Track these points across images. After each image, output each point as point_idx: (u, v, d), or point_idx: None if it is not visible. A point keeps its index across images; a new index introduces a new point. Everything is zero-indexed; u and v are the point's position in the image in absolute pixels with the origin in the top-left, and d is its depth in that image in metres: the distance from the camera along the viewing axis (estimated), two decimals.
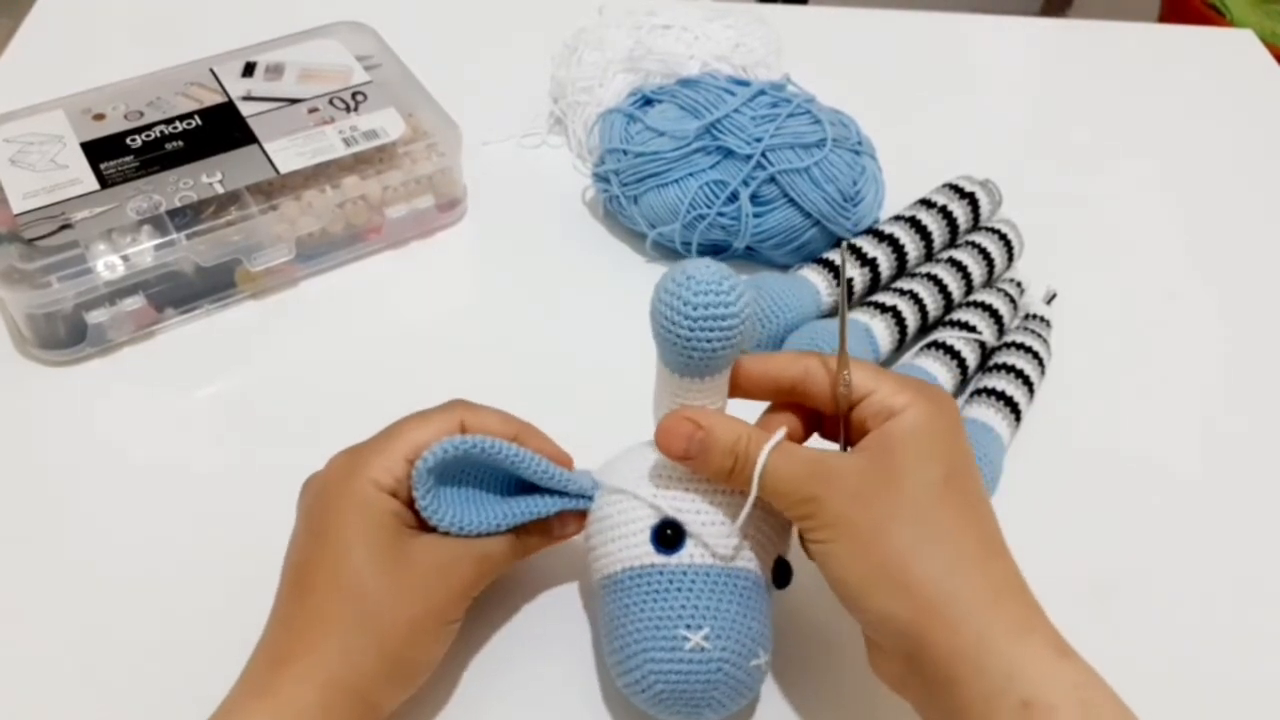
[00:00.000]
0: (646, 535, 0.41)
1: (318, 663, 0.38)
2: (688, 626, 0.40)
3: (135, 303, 0.56)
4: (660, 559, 0.41)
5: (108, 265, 0.54)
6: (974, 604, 0.36)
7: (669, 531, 0.41)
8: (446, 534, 0.42)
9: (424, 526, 0.42)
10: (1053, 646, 0.36)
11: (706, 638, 0.40)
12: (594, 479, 0.44)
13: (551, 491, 0.44)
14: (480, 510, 0.42)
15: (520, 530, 0.43)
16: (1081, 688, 0.35)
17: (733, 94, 0.62)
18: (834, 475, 0.38)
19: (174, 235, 0.56)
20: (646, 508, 0.42)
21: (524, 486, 0.44)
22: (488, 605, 0.47)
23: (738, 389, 0.42)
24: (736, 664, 0.40)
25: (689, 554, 0.41)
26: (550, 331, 0.60)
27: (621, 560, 0.42)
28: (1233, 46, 0.86)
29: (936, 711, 0.37)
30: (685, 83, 0.65)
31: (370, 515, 0.40)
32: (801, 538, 0.40)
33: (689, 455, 0.40)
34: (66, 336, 0.56)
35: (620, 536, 0.42)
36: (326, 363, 0.58)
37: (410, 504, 0.41)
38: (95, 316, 0.56)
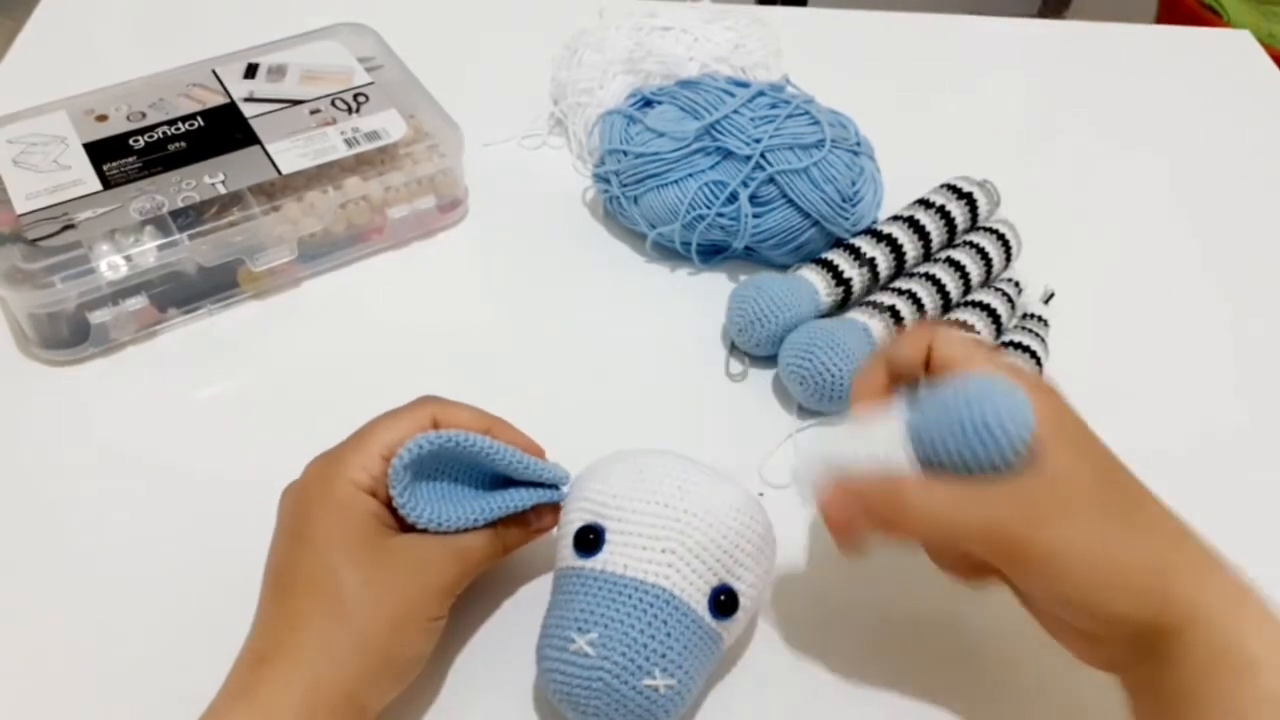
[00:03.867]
0: (571, 537, 0.42)
1: (298, 663, 0.38)
2: (578, 629, 0.40)
3: (138, 303, 0.57)
4: (578, 561, 0.42)
5: (110, 265, 0.55)
6: (1190, 579, 0.37)
7: (590, 536, 0.42)
8: (425, 531, 0.42)
9: (403, 526, 0.42)
10: (1268, 607, 0.37)
11: (591, 643, 0.39)
12: (565, 471, 0.45)
13: (526, 484, 0.44)
14: (457, 506, 0.42)
15: (498, 525, 0.44)
16: None
17: (732, 95, 0.62)
18: (1013, 509, 0.38)
19: (176, 235, 0.56)
20: (580, 511, 0.43)
21: (499, 481, 0.45)
22: (475, 601, 0.48)
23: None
24: (619, 675, 0.39)
25: (602, 561, 0.41)
26: (550, 331, 0.60)
27: (557, 559, 0.43)
28: (1230, 47, 0.86)
29: (1163, 683, 0.37)
30: (685, 84, 0.65)
31: (348, 515, 0.40)
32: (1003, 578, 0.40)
33: (856, 526, 0.39)
34: (69, 336, 0.56)
35: (561, 537, 0.43)
36: (328, 362, 0.58)
37: (389, 503, 0.41)
38: (98, 316, 0.56)
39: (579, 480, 0.45)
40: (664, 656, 0.40)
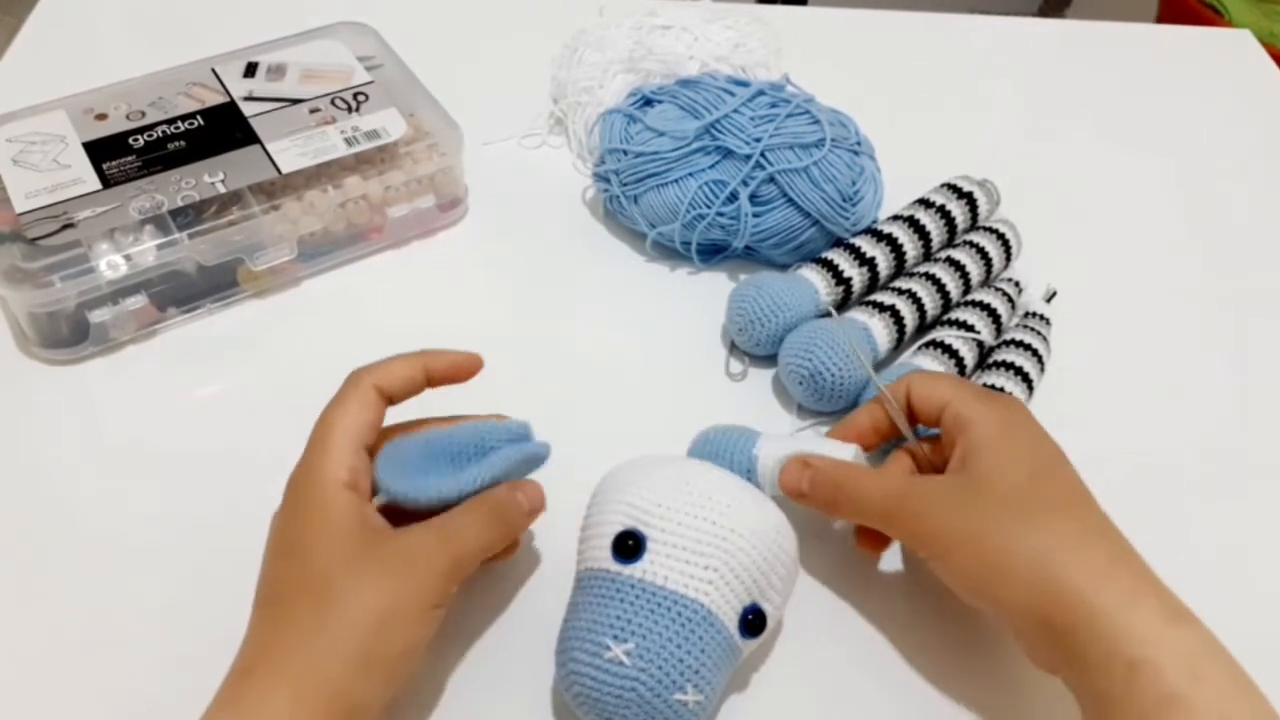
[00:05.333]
0: (609, 541, 0.42)
1: (283, 666, 0.37)
2: (614, 637, 0.40)
3: (137, 302, 0.57)
4: (615, 566, 0.41)
5: (110, 264, 0.55)
6: (1082, 580, 0.38)
7: (630, 542, 0.41)
8: (417, 519, 0.41)
9: (393, 524, 0.41)
10: (1166, 611, 0.38)
11: (628, 653, 0.39)
12: (524, 422, 0.46)
13: (495, 448, 0.44)
14: (432, 479, 0.42)
15: (489, 505, 0.42)
16: (1193, 650, 0.37)
17: (732, 94, 0.62)
18: (929, 494, 0.43)
19: (176, 234, 0.56)
20: (620, 515, 0.42)
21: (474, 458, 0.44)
22: (482, 596, 0.48)
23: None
24: (653, 689, 0.39)
25: (642, 569, 0.41)
26: (551, 330, 0.60)
27: (586, 560, 0.43)
28: (1231, 46, 0.86)
29: (1078, 685, 0.39)
30: (685, 83, 0.65)
31: (332, 515, 0.40)
32: (918, 556, 0.44)
33: (802, 493, 0.45)
34: (69, 335, 0.56)
35: (591, 538, 0.43)
36: (328, 361, 0.58)
37: (372, 496, 0.42)
38: (98, 315, 0.56)
39: (614, 481, 0.44)
40: (697, 673, 0.40)
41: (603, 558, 0.42)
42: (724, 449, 0.47)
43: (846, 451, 0.46)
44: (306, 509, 0.41)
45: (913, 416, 0.48)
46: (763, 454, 0.46)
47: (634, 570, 0.41)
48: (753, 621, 0.41)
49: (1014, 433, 0.44)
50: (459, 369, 0.46)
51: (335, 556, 0.39)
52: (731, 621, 0.41)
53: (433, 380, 0.46)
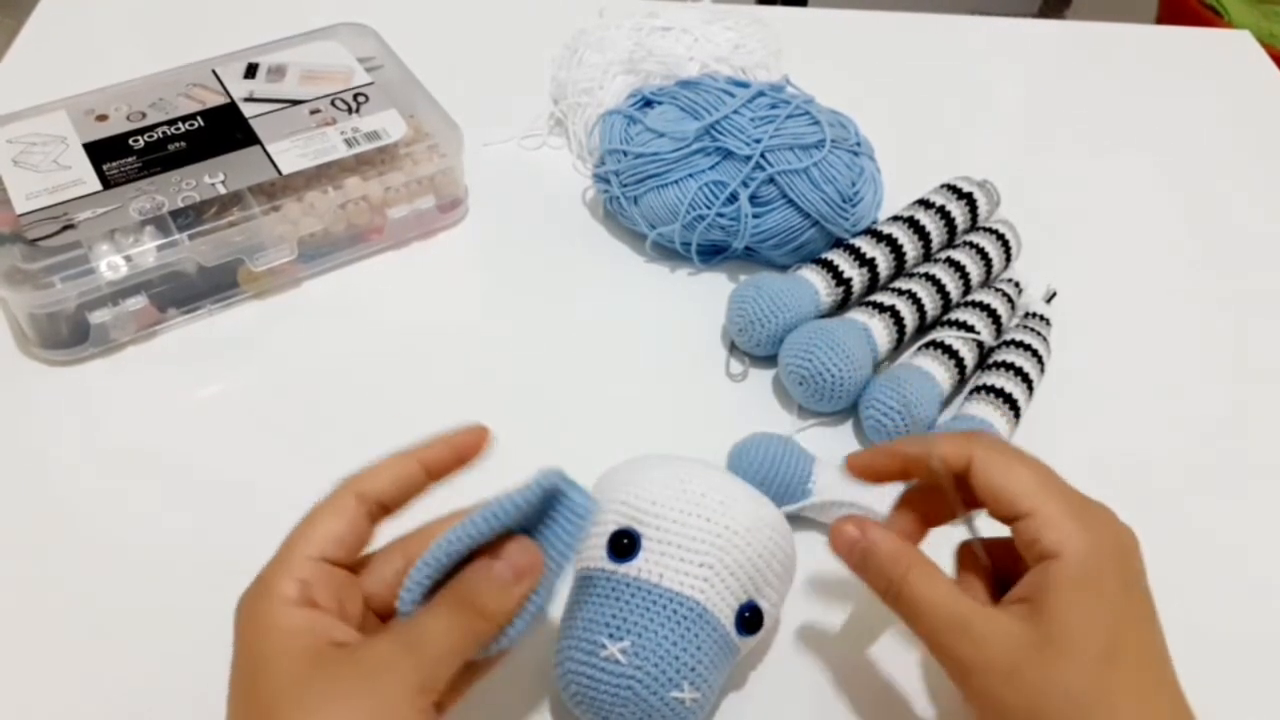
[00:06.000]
0: (604, 540, 0.42)
1: None
2: (610, 636, 0.39)
3: (138, 303, 0.57)
4: (610, 565, 0.41)
5: (110, 265, 0.55)
6: None
7: (625, 540, 0.41)
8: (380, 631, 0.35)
9: (363, 629, 0.36)
10: None
11: (624, 651, 0.39)
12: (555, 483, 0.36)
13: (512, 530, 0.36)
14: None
15: (448, 595, 0.35)
16: None
17: (732, 95, 0.62)
18: (987, 641, 0.35)
19: (176, 235, 0.56)
20: (615, 514, 0.42)
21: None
22: None
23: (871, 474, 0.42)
24: (649, 686, 0.39)
25: (637, 567, 0.41)
26: (551, 331, 0.60)
27: (582, 559, 0.42)
28: (1230, 47, 0.86)
29: None
30: (685, 84, 0.65)
31: (273, 636, 0.34)
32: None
33: (851, 562, 0.40)
34: (69, 336, 0.56)
35: (587, 537, 0.42)
36: (329, 362, 0.58)
37: (335, 609, 0.35)
38: (98, 316, 0.56)
39: (609, 481, 0.44)
40: (693, 670, 0.40)
41: (598, 557, 0.42)
42: (774, 471, 0.48)
43: (892, 493, 0.43)
44: (256, 637, 0.34)
45: (968, 492, 0.39)
46: (819, 486, 0.48)
47: (629, 569, 0.41)
48: (749, 619, 0.41)
49: (1105, 573, 0.36)
50: (463, 449, 0.38)
51: (279, 688, 0.33)
52: (728, 619, 0.41)
53: (434, 472, 0.38)
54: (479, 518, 0.34)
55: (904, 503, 0.43)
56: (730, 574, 0.41)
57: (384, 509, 0.38)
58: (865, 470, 0.42)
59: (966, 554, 0.42)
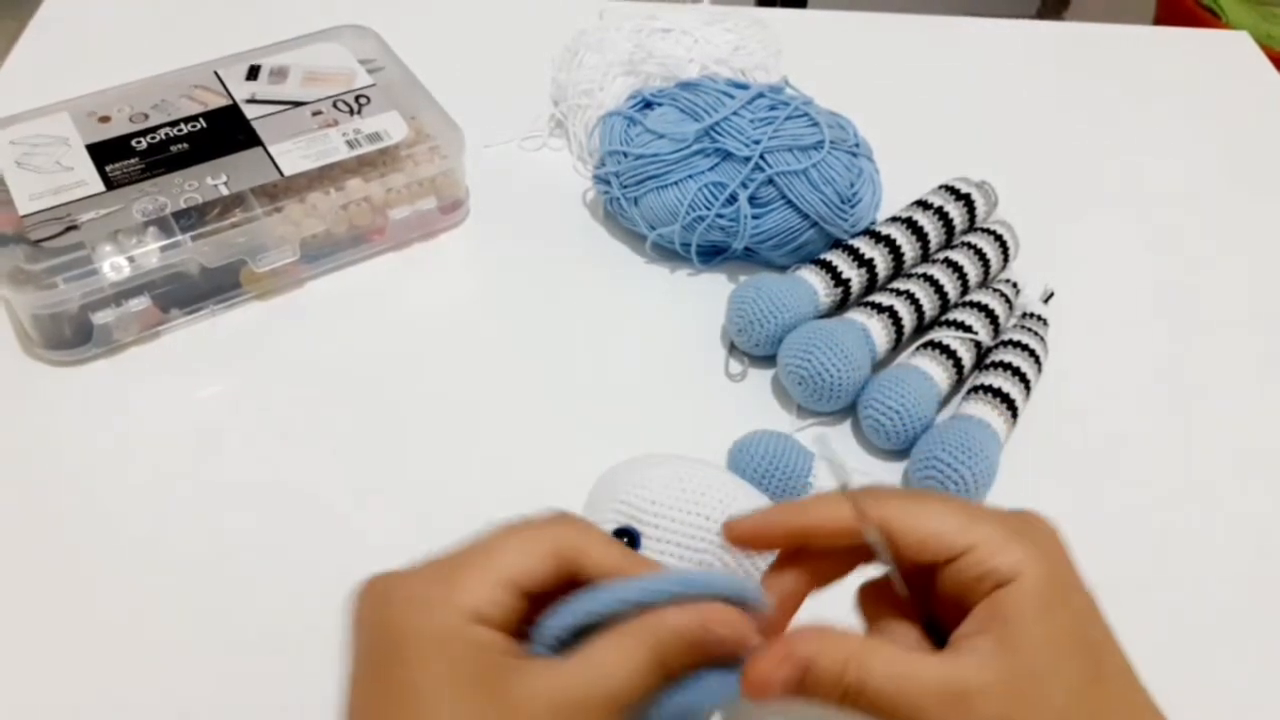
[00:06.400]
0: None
1: None
2: None
3: (141, 303, 0.57)
4: None
5: (113, 266, 0.55)
6: None
7: (624, 539, 0.41)
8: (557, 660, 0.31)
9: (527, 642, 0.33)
10: None
11: None
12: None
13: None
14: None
15: (641, 632, 0.31)
16: None
17: (731, 97, 0.62)
18: (971, 699, 0.31)
19: (179, 236, 0.56)
20: (614, 514, 0.42)
21: None
22: None
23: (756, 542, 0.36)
24: None
25: None
26: (551, 331, 0.61)
27: None
28: (1228, 48, 0.86)
29: None
30: (685, 86, 0.65)
31: (462, 658, 0.30)
32: None
33: (790, 692, 0.32)
34: (72, 337, 0.57)
35: None
36: (331, 363, 0.58)
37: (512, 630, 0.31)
38: (101, 317, 0.56)
39: (608, 481, 0.44)
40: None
41: None
42: (775, 467, 0.49)
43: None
44: (423, 632, 0.30)
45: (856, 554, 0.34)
46: (819, 482, 0.49)
47: None
48: None
49: (1067, 585, 0.33)
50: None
51: (457, 714, 0.29)
52: None
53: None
54: (675, 581, 0.32)
55: (785, 560, 0.36)
56: (729, 571, 0.41)
57: (547, 588, 0.32)
58: (747, 540, 0.36)
59: (870, 596, 0.36)
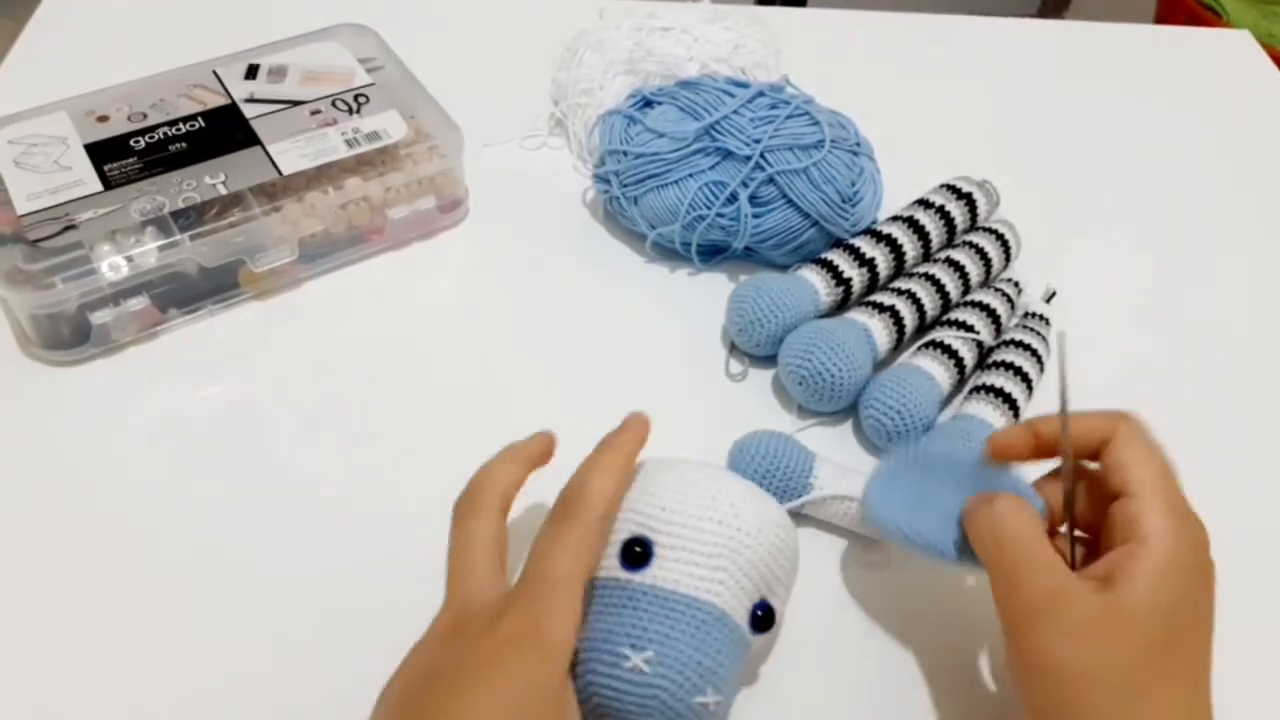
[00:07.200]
0: (617, 549, 0.41)
1: None
2: (632, 646, 0.39)
3: (139, 303, 0.57)
4: (624, 574, 0.41)
5: (112, 266, 0.55)
6: None
7: (637, 549, 0.41)
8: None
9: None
10: None
11: (648, 661, 0.39)
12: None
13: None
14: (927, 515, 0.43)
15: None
16: None
17: (732, 95, 0.62)
18: (1062, 592, 0.37)
19: (177, 236, 0.56)
20: (625, 523, 0.42)
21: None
22: None
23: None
24: (675, 694, 0.38)
25: (652, 575, 0.40)
26: (550, 331, 0.60)
27: (599, 569, 0.42)
28: (1229, 47, 0.86)
29: None
30: (685, 84, 0.65)
31: (566, 697, 0.36)
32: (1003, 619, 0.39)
33: (973, 506, 0.42)
34: (70, 337, 0.56)
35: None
36: (329, 363, 0.58)
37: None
38: (99, 317, 0.56)
39: None
40: (715, 674, 0.39)
41: (611, 566, 0.41)
42: (776, 466, 0.49)
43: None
44: (535, 694, 0.35)
45: (1091, 456, 0.42)
46: (819, 482, 0.49)
47: (643, 577, 0.40)
48: (762, 618, 0.41)
49: (1181, 575, 0.38)
50: (548, 450, 0.44)
51: None
52: (743, 620, 0.41)
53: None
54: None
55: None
56: (744, 575, 0.41)
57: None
58: (1002, 451, 0.43)
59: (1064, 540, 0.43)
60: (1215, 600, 0.39)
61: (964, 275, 0.60)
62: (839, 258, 0.59)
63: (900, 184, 0.64)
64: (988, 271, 0.61)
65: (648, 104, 0.65)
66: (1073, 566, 0.40)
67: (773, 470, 0.49)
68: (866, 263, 0.59)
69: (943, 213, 0.61)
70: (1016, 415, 0.54)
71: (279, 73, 0.66)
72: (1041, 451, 0.43)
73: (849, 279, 0.59)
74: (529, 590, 0.37)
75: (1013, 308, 0.60)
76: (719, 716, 0.41)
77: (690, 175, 0.60)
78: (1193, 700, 0.37)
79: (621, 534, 0.42)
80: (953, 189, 0.63)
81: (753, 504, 0.42)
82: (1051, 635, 0.37)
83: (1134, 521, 0.38)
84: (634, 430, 0.44)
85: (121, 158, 0.60)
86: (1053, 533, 0.43)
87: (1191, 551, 0.38)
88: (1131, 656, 0.36)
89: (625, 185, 0.62)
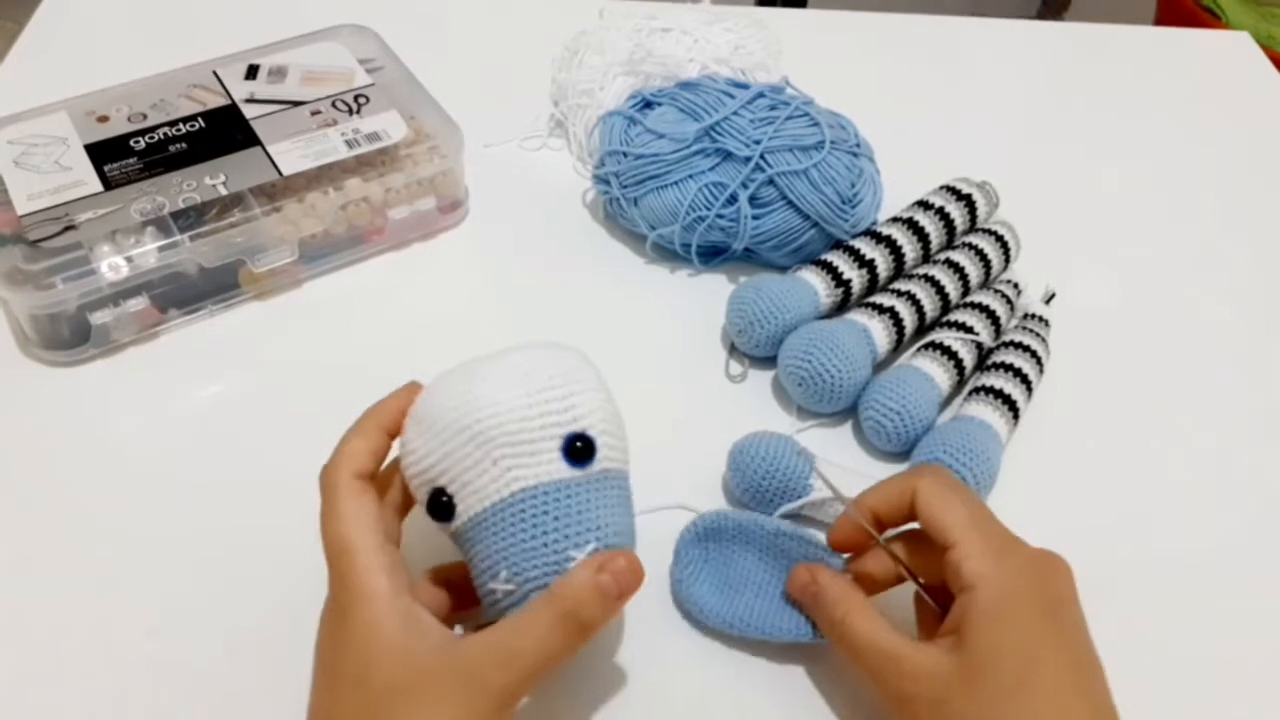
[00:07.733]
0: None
1: None
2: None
3: (139, 304, 0.57)
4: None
5: (112, 266, 0.55)
6: None
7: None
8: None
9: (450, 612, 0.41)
10: None
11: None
12: None
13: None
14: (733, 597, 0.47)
15: (552, 608, 0.37)
16: None
17: (732, 96, 0.62)
18: (917, 674, 0.39)
19: (177, 236, 0.56)
20: (470, 445, 0.41)
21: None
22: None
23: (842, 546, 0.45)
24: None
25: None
26: (550, 332, 0.60)
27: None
28: (1228, 49, 0.86)
29: None
30: (685, 85, 0.65)
31: (382, 635, 0.37)
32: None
33: (804, 603, 0.44)
34: (70, 337, 0.56)
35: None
36: (329, 363, 0.58)
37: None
38: (99, 317, 0.56)
39: (445, 409, 0.41)
40: (599, 528, 0.40)
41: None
42: (775, 469, 0.49)
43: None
44: (355, 632, 0.37)
45: (910, 516, 0.43)
46: (818, 484, 0.49)
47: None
48: (581, 449, 0.40)
49: (1018, 605, 0.38)
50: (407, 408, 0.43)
51: (394, 682, 0.36)
52: (569, 469, 0.40)
53: (393, 433, 0.43)
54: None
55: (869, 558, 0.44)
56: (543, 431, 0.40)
57: (370, 479, 0.41)
58: (842, 546, 0.45)
59: (920, 601, 0.44)
60: (1077, 606, 0.39)
61: (963, 277, 0.60)
62: (839, 259, 0.59)
63: (900, 185, 0.64)
64: (987, 273, 0.61)
65: (648, 105, 0.65)
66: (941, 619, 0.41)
67: (772, 472, 0.49)
68: (866, 264, 0.59)
69: (942, 214, 0.61)
70: (1016, 416, 0.54)
71: (279, 73, 0.66)
72: (879, 527, 0.43)
73: (849, 280, 0.59)
74: (331, 568, 0.39)
75: (1012, 309, 0.60)
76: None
77: (690, 176, 0.60)
78: (1084, 705, 0.37)
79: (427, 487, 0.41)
80: (952, 190, 0.63)
81: (581, 371, 0.43)
82: (922, 714, 0.38)
83: (957, 571, 0.39)
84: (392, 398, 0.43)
85: (122, 158, 0.60)
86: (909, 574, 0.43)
87: (1022, 580, 0.39)
88: (996, 699, 0.37)
89: (625, 186, 0.62)
